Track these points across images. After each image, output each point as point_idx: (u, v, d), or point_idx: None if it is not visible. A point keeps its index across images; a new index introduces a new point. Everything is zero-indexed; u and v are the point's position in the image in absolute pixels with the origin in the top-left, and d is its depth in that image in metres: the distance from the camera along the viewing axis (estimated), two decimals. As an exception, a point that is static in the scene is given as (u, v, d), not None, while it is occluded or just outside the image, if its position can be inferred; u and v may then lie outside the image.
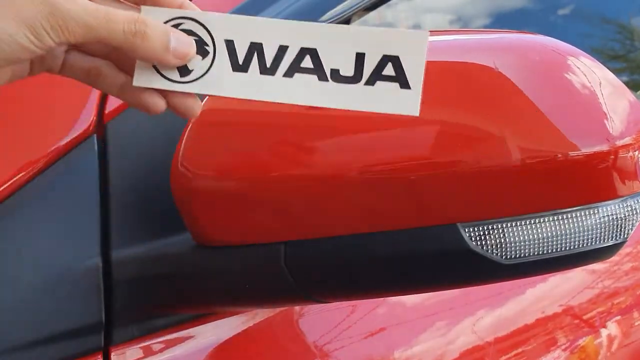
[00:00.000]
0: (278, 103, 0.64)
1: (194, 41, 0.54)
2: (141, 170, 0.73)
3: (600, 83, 0.63)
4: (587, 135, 0.61)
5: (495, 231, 0.61)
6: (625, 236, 0.65)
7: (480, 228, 0.61)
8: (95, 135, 0.71)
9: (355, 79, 0.53)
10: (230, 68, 0.54)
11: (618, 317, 1.15)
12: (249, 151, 0.65)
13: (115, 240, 0.70)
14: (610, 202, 0.62)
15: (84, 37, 0.50)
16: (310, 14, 0.89)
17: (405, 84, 0.52)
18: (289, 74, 0.53)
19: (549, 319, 1.03)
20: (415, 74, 0.52)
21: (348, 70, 0.53)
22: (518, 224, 0.61)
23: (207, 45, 0.54)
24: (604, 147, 0.61)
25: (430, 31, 0.56)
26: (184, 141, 0.68)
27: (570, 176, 0.60)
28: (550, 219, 0.61)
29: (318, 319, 0.81)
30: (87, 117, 0.71)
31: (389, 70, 0.52)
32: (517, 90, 0.61)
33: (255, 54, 0.53)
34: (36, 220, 0.68)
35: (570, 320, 1.07)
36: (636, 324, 1.19)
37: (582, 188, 0.61)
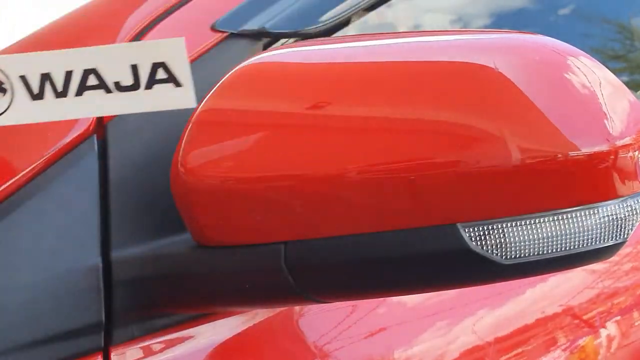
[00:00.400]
0: (279, 103, 0.64)
1: None
2: (141, 170, 0.73)
3: (600, 83, 0.63)
4: (587, 135, 0.61)
5: (495, 231, 0.61)
6: (625, 236, 0.65)
7: (480, 228, 0.61)
8: (95, 135, 0.71)
9: (135, 86, 0.60)
10: (30, 98, 0.60)
11: (618, 317, 1.15)
12: (249, 151, 0.65)
13: (115, 240, 0.70)
14: (610, 202, 0.62)
15: None
16: (310, 14, 0.89)
17: (177, 83, 0.60)
18: (79, 92, 0.60)
19: (549, 319, 1.03)
20: (183, 73, 0.60)
21: (128, 81, 0.60)
22: (518, 224, 0.61)
23: (4, 83, 0.60)
24: (604, 147, 0.61)
25: (430, 31, 0.56)
26: (184, 141, 0.68)
27: (570, 176, 0.60)
28: (550, 219, 0.61)
29: (318, 319, 0.81)
30: (87, 118, 0.71)
31: (161, 74, 0.60)
32: (517, 90, 0.61)
33: (48, 82, 0.60)
34: (36, 220, 0.68)
35: (570, 320, 1.07)
36: (636, 324, 1.19)
37: (582, 188, 0.61)
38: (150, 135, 0.73)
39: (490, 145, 0.60)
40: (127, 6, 0.85)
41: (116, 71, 0.60)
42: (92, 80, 0.60)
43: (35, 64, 0.60)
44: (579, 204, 0.61)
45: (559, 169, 0.60)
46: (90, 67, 0.60)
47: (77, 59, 0.60)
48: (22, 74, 0.60)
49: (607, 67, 0.66)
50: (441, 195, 0.61)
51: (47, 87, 0.60)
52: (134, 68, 0.60)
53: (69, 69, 0.60)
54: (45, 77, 0.60)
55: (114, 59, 0.60)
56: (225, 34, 0.84)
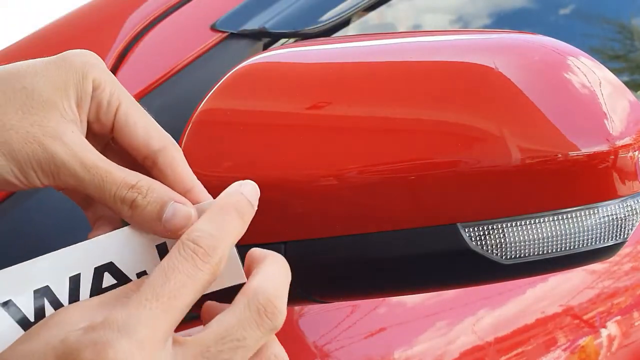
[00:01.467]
0: (279, 103, 0.64)
1: (192, 213, 0.50)
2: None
3: (600, 83, 0.63)
4: (587, 135, 0.61)
5: (495, 231, 0.61)
6: (625, 236, 0.65)
7: (480, 228, 0.61)
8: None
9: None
10: (21, 329, 0.47)
11: (618, 317, 1.15)
12: (249, 151, 0.65)
13: (115, 240, 0.70)
14: (610, 202, 0.62)
15: (75, 187, 0.48)
16: (310, 14, 0.89)
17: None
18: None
19: (549, 319, 1.03)
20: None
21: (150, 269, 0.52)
22: (518, 224, 0.61)
23: None
24: (604, 147, 0.61)
25: (430, 31, 0.56)
26: (184, 141, 0.68)
27: (570, 176, 0.60)
28: (550, 219, 0.61)
29: (318, 319, 0.81)
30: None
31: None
32: (517, 90, 0.61)
33: (45, 299, 0.49)
34: (36, 220, 0.68)
35: (570, 320, 1.07)
36: (636, 324, 1.19)
37: (582, 188, 0.61)
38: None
39: (490, 145, 0.60)
40: (127, 6, 0.85)
41: (136, 260, 0.51)
42: (108, 279, 0.50)
43: (25, 280, 0.49)
44: (579, 204, 0.61)
45: (559, 169, 0.60)
46: (104, 263, 0.50)
47: (86, 255, 0.50)
48: (7, 299, 0.48)
49: (607, 67, 0.66)
50: (441, 195, 0.61)
51: (47, 307, 0.49)
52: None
53: (74, 273, 0.49)
54: (41, 293, 0.49)
55: (134, 247, 0.51)
56: (225, 34, 0.84)
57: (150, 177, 0.51)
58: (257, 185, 0.53)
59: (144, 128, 0.51)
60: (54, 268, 0.49)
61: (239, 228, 0.51)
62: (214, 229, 0.49)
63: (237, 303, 0.49)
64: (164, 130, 0.52)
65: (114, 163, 0.49)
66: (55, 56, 0.50)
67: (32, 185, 0.47)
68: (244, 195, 0.52)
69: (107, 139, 0.52)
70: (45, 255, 0.50)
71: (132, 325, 0.43)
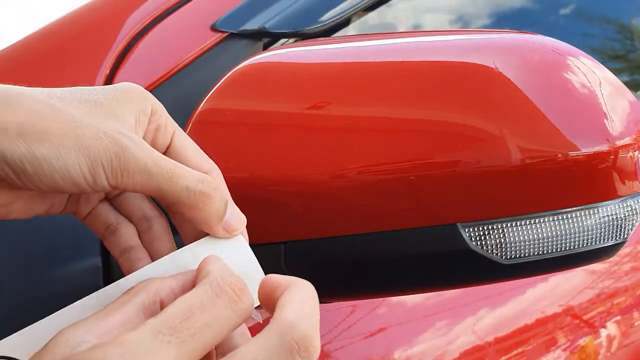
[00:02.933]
0: (279, 103, 0.64)
1: (244, 218, 0.54)
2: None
3: (600, 83, 0.63)
4: (587, 135, 0.61)
5: (495, 231, 0.61)
6: (625, 236, 0.65)
7: (480, 228, 0.61)
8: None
9: None
10: None
11: (618, 317, 1.15)
12: (249, 151, 0.65)
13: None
14: (610, 202, 0.62)
15: (142, 186, 0.47)
16: (310, 14, 0.89)
17: None
18: None
19: (549, 319, 1.03)
20: None
21: None
22: (518, 224, 0.61)
23: None
24: (604, 147, 0.61)
25: (430, 31, 0.56)
26: (184, 141, 0.68)
27: (570, 176, 0.60)
28: (550, 219, 0.61)
29: (318, 319, 0.81)
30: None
31: None
32: (517, 90, 0.61)
33: None
34: (36, 220, 0.68)
35: (570, 320, 1.07)
36: (636, 324, 1.19)
37: (582, 188, 0.61)
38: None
39: (491, 145, 0.60)
40: (127, 6, 0.85)
41: None
42: None
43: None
44: (579, 204, 0.61)
45: (559, 169, 0.60)
46: None
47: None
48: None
49: (607, 67, 0.66)
50: (441, 195, 0.61)
51: None
52: None
53: None
54: None
55: None
56: (225, 34, 0.84)
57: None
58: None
59: (195, 154, 0.53)
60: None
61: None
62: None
63: (268, 335, 0.44)
64: (208, 158, 0.55)
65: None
66: (109, 85, 0.50)
67: (97, 187, 0.46)
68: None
69: None
70: (52, 315, 0.49)
71: (139, 356, 0.41)
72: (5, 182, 0.45)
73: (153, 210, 0.56)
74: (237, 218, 0.53)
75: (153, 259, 0.53)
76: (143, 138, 0.50)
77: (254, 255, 0.55)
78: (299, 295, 0.48)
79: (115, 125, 0.46)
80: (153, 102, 0.52)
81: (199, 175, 0.50)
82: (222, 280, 0.46)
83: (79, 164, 0.45)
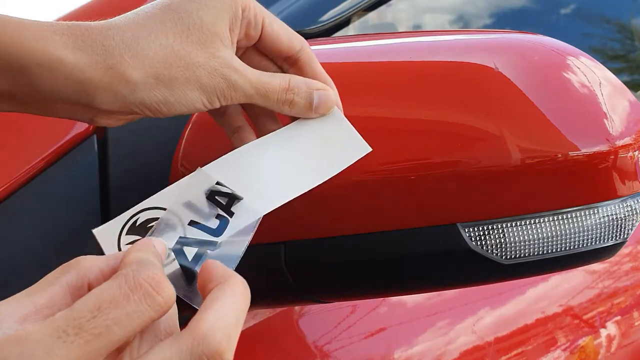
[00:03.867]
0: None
1: (332, 95, 0.60)
2: (141, 170, 0.73)
3: (600, 83, 0.63)
4: (587, 135, 0.61)
5: (495, 231, 0.61)
6: (625, 236, 0.65)
7: (480, 228, 0.61)
8: (95, 135, 0.71)
9: None
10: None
11: (618, 317, 1.15)
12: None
13: (115, 240, 0.70)
14: (610, 202, 0.62)
15: (244, 102, 0.58)
16: (310, 14, 0.89)
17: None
18: None
19: (549, 319, 1.03)
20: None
21: None
22: (518, 224, 0.61)
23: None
24: (604, 147, 0.61)
25: (430, 31, 0.56)
26: (184, 141, 0.68)
27: (570, 176, 0.60)
28: (550, 219, 0.61)
29: (318, 319, 0.81)
30: (87, 117, 0.71)
31: None
32: (517, 90, 0.61)
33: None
34: (36, 220, 0.68)
35: (570, 320, 1.07)
36: (636, 324, 1.19)
37: (582, 188, 0.61)
38: (150, 135, 0.73)
39: (490, 145, 0.60)
40: (127, 6, 0.84)
41: None
42: None
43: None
44: (579, 204, 0.61)
45: (559, 169, 0.60)
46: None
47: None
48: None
49: (607, 67, 0.66)
50: (441, 195, 0.61)
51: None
52: None
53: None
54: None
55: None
56: (225, 34, 0.84)
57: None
58: (165, 244, 0.53)
59: (286, 34, 0.60)
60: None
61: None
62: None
63: (179, 344, 0.44)
64: (296, 33, 0.61)
65: (264, 72, 0.58)
66: None
67: (212, 107, 0.57)
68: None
69: (243, 49, 0.60)
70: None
71: (38, 355, 0.42)
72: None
73: None
74: (325, 101, 0.60)
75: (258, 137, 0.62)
76: (238, 40, 0.58)
77: (351, 126, 0.60)
78: (224, 302, 0.47)
79: (220, 56, 0.56)
80: (242, 1, 0.58)
81: (284, 84, 0.59)
82: (138, 273, 0.45)
83: (200, 98, 0.56)
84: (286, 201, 0.58)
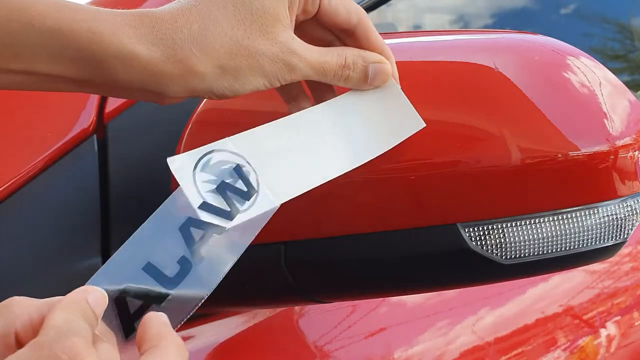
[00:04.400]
0: (278, 104, 0.64)
1: (388, 68, 0.61)
2: (141, 170, 0.73)
3: (600, 83, 0.63)
4: (587, 135, 0.61)
5: (495, 231, 0.61)
6: (625, 236, 0.65)
7: (480, 228, 0.61)
8: (95, 135, 0.71)
9: None
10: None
11: (618, 317, 1.15)
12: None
13: (116, 240, 0.70)
14: (610, 202, 0.62)
15: (300, 80, 0.61)
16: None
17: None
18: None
19: (549, 319, 1.03)
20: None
21: None
22: (518, 224, 0.61)
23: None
24: (604, 147, 0.61)
25: (430, 31, 0.56)
26: (184, 141, 0.68)
27: (570, 176, 0.60)
28: (550, 219, 0.61)
29: (318, 319, 0.81)
30: (87, 118, 0.71)
31: None
32: (517, 90, 0.61)
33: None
34: (36, 220, 0.68)
35: (570, 320, 1.07)
36: (636, 324, 1.19)
37: (582, 188, 0.61)
38: (150, 135, 0.73)
39: (491, 145, 0.60)
40: (127, 6, 0.84)
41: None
42: None
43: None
44: (579, 204, 0.61)
45: (559, 169, 0.60)
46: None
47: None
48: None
49: (607, 67, 0.66)
50: (441, 195, 0.61)
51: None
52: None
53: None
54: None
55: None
56: (225, 34, 0.84)
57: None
58: (105, 294, 0.48)
59: (344, 8, 0.61)
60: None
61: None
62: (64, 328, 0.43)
63: None
64: (355, 4, 0.62)
65: (322, 50, 0.60)
66: None
67: (272, 87, 0.60)
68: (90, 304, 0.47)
69: (299, 22, 0.62)
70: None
71: None
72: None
73: None
74: (381, 73, 0.61)
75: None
76: (296, 15, 0.61)
77: (406, 99, 0.61)
78: None
79: (280, 41, 0.58)
80: None
81: (340, 61, 0.61)
82: (55, 342, 0.41)
83: (262, 82, 0.59)
84: (337, 175, 0.59)
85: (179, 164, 0.56)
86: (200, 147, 0.57)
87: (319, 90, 0.64)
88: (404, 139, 0.61)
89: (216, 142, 0.57)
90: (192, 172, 0.56)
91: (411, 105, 0.61)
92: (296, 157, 0.59)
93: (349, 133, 0.61)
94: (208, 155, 0.57)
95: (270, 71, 0.58)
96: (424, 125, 0.60)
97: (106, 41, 0.54)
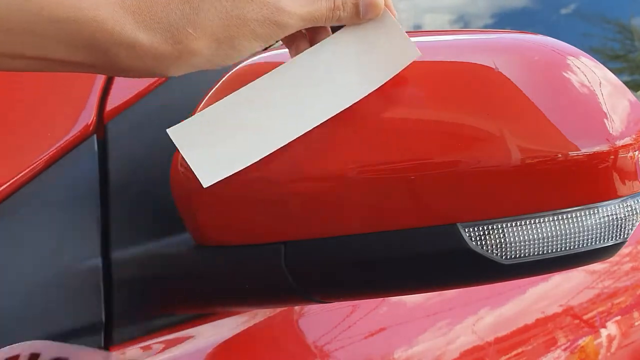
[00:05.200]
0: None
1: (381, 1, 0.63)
2: (141, 170, 0.73)
3: (600, 83, 0.63)
4: (587, 135, 0.61)
5: (495, 231, 0.61)
6: (625, 236, 0.65)
7: (480, 228, 0.61)
8: (95, 135, 0.71)
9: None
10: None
11: (618, 317, 1.16)
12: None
13: (115, 240, 0.70)
14: (610, 202, 0.62)
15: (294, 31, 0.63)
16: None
17: None
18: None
19: (549, 319, 1.03)
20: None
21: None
22: (518, 224, 0.61)
23: None
24: (604, 147, 0.61)
25: (430, 31, 0.56)
26: (184, 141, 0.67)
27: (570, 176, 0.60)
28: (550, 219, 0.61)
29: (318, 319, 0.81)
30: (87, 117, 0.71)
31: None
32: (517, 90, 0.61)
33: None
34: (36, 220, 0.68)
35: (570, 320, 1.07)
36: (636, 324, 1.19)
37: (582, 188, 0.61)
38: (150, 135, 0.73)
39: (490, 145, 0.60)
40: None
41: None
42: None
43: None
44: (579, 204, 0.61)
45: (559, 169, 0.60)
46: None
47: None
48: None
49: (607, 67, 0.66)
50: (441, 195, 0.61)
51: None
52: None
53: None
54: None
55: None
56: (225, 34, 0.84)
57: None
58: None
59: None
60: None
61: None
62: None
63: None
64: None
65: (310, 0, 0.62)
66: None
67: (269, 45, 0.63)
68: None
69: None
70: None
71: None
72: None
73: None
74: (372, 6, 0.63)
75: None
76: None
77: (401, 29, 0.63)
78: None
79: (269, 1, 0.60)
80: None
81: (330, 4, 0.62)
82: None
83: (258, 44, 0.61)
84: (338, 111, 0.62)
85: (178, 133, 0.63)
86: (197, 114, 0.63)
87: (314, 32, 0.66)
88: (401, 70, 0.62)
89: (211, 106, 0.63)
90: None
91: (406, 35, 0.63)
92: (298, 99, 0.63)
93: (347, 69, 0.63)
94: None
95: (263, 33, 0.60)
96: (420, 54, 0.62)
97: (109, 30, 0.57)
